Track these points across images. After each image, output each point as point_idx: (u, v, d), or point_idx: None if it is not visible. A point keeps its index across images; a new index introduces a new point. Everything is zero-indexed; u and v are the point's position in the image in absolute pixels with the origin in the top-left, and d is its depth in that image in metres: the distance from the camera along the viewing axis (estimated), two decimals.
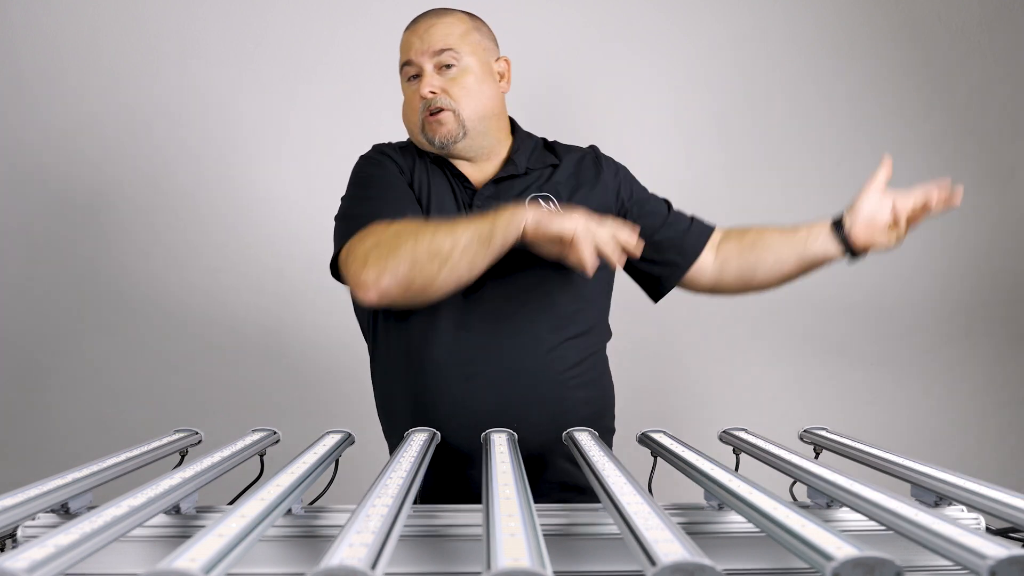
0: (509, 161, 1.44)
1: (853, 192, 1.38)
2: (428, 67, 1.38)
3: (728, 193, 2.39)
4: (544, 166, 1.46)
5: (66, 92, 2.35)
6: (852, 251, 1.38)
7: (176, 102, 2.36)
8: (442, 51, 1.37)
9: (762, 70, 2.42)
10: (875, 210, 1.34)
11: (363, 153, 1.50)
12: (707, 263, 1.49)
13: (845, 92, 2.41)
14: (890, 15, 2.42)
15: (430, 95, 1.37)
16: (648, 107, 2.43)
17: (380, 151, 1.48)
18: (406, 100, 1.43)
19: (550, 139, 1.54)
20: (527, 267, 1.34)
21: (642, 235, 1.32)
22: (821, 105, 2.42)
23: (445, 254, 1.16)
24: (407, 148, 1.49)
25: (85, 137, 2.35)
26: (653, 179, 1.48)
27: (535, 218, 1.15)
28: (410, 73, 1.41)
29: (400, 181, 1.40)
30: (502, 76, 1.46)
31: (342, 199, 1.43)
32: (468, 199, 1.40)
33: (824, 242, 1.39)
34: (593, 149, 1.52)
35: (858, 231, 1.35)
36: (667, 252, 1.48)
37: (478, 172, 1.44)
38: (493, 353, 1.34)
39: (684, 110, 2.43)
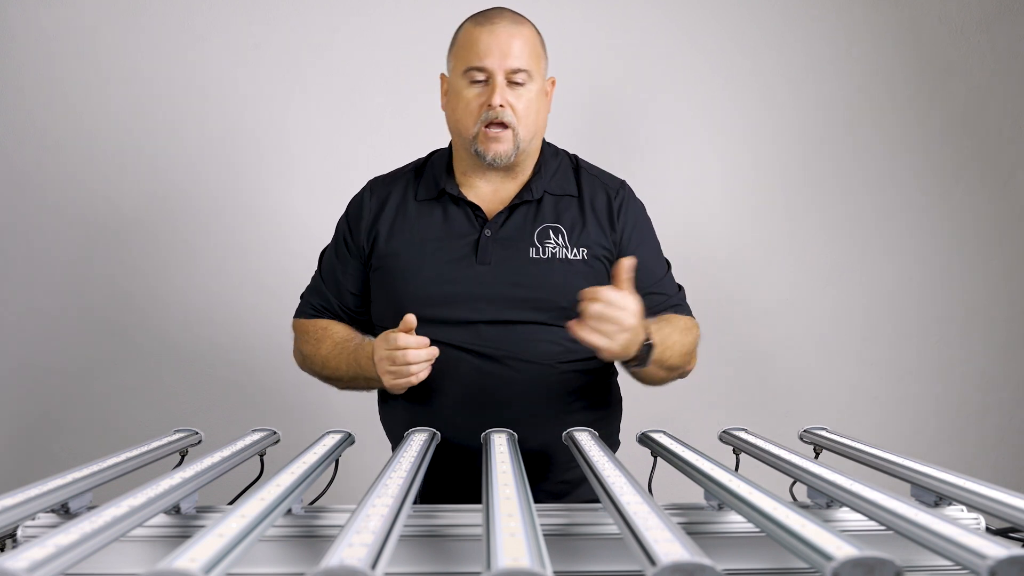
0: (527, 186, 1.42)
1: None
2: (501, 79, 1.34)
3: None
4: (563, 193, 1.43)
5: (65, 92, 2.34)
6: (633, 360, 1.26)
7: (176, 102, 2.35)
8: (519, 70, 1.34)
9: (764, 69, 2.41)
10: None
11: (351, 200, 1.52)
12: None
13: (842, 92, 2.41)
14: (890, 15, 2.42)
15: (500, 108, 1.33)
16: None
17: (356, 204, 1.49)
18: (463, 100, 1.37)
19: (583, 157, 1.51)
20: (528, 296, 1.35)
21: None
22: (819, 106, 2.42)
23: (338, 379, 1.44)
24: (402, 180, 1.48)
25: (84, 138, 2.35)
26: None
27: (388, 384, 1.30)
28: (477, 77, 1.35)
29: (342, 260, 1.48)
30: (547, 95, 1.44)
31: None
32: (479, 227, 1.39)
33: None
34: (621, 188, 1.47)
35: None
36: None
37: (494, 195, 1.43)
38: (493, 377, 1.34)
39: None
